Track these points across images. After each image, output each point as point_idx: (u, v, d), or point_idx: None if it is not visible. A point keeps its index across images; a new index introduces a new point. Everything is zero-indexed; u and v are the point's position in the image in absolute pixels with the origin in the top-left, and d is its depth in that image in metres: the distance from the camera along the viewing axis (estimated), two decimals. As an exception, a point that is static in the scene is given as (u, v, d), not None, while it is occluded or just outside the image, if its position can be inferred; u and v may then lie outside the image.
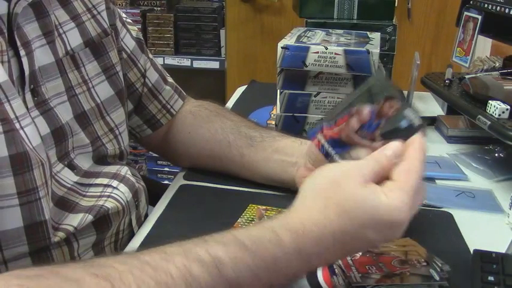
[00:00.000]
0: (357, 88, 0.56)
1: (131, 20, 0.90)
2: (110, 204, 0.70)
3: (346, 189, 0.50)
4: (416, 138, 0.53)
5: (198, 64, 2.34)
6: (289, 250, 0.48)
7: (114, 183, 0.73)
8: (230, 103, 1.31)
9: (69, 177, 0.67)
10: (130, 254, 0.45)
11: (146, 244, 0.68)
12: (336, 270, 0.60)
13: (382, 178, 0.51)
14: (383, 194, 0.49)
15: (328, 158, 0.58)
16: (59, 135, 0.65)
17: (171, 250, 0.45)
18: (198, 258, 0.44)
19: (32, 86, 0.61)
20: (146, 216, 0.81)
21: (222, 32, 2.34)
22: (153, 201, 0.83)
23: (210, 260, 0.44)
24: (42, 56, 0.64)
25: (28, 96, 0.61)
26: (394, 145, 0.52)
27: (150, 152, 2.15)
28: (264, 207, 0.75)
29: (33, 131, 0.59)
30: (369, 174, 0.51)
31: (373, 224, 0.49)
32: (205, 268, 0.43)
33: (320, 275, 0.61)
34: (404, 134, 0.54)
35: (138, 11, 2.31)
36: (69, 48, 0.69)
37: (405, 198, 0.49)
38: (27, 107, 0.60)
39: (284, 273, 0.48)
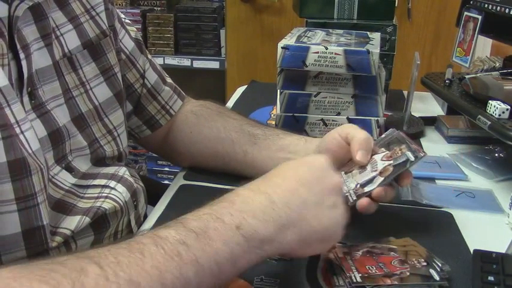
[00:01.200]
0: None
1: (131, 20, 0.90)
2: (107, 205, 0.69)
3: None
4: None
5: (198, 64, 2.34)
6: (247, 193, 0.55)
7: (112, 183, 0.73)
8: (230, 103, 1.31)
9: (66, 179, 0.66)
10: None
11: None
12: (336, 270, 0.60)
13: None
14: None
15: None
16: (55, 138, 0.64)
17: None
18: (165, 224, 0.50)
19: (29, 89, 0.60)
20: (145, 216, 0.81)
21: (222, 32, 2.34)
22: (152, 201, 0.83)
23: (174, 221, 0.50)
24: (40, 59, 0.63)
25: (25, 99, 0.60)
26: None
27: (150, 152, 2.15)
28: (263, 207, 0.75)
29: (33, 135, 0.58)
30: None
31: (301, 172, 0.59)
32: (171, 227, 0.49)
33: (320, 275, 0.61)
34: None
35: (138, 11, 2.31)
36: (66, 51, 0.68)
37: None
38: (24, 110, 0.59)
39: (248, 210, 0.53)
